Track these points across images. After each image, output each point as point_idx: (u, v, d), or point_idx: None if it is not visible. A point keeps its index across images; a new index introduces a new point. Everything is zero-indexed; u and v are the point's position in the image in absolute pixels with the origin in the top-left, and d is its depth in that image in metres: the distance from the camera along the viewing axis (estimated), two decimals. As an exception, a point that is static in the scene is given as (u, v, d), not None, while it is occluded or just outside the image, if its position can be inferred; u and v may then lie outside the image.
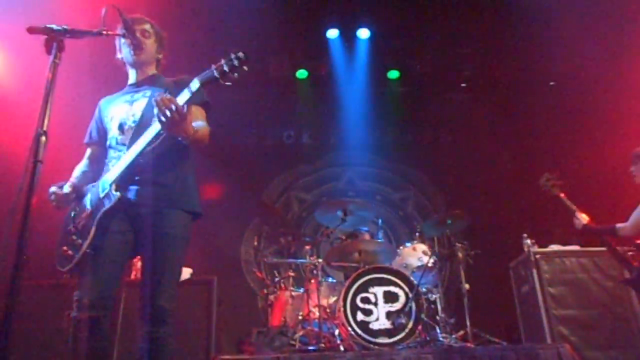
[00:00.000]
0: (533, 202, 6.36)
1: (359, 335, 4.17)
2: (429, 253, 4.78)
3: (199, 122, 2.43)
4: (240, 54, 2.14)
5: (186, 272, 4.42)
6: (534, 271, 4.45)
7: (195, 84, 2.21)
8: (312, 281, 4.64)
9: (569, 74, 6.21)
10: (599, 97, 5.89)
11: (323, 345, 4.25)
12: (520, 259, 4.70)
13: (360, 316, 4.28)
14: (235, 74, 2.15)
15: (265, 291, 5.01)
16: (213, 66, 2.18)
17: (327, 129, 7.04)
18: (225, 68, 2.14)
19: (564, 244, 4.69)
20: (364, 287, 4.37)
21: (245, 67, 2.15)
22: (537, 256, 4.48)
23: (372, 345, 4.12)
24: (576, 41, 5.58)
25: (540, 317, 4.32)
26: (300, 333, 4.35)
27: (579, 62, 5.92)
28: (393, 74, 7.01)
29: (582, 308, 4.31)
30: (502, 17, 5.94)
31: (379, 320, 4.29)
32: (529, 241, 4.62)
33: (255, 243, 6.27)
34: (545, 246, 4.66)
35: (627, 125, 5.39)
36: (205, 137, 2.43)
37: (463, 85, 6.89)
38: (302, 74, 6.83)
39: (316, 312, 4.42)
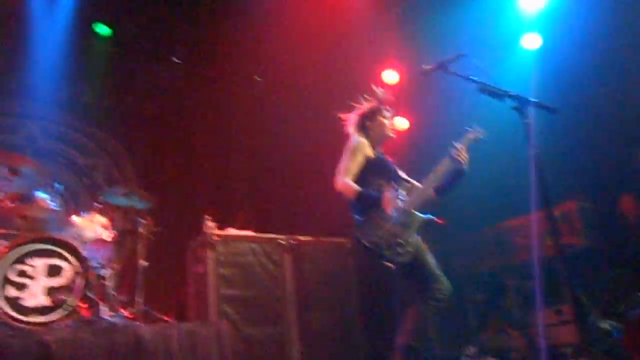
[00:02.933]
0: (219, 185, 6.70)
1: (5, 313, 3.62)
2: (108, 226, 4.50)
3: None
4: None
5: None
6: (210, 252, 4.63)
7: None
8: (-47, 247, 3.83)
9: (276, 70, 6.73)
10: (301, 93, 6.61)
11: (-45, 325, 3.55)
12: (199, 239, 4.83)
13: (10, 291, 3.72)
14: None
15: None
16: None
17: (8, 70, 5.92)
18: None
19: (241, 229, 5.03)
20: (21, 259, 3.82)
21: None
22: (215, 238, 4.69)
23: (20, 325, 3.63)
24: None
25: (209, 296, 4.53)
26: None
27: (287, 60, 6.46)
28: (103, 30, 6.39)
29: (247, 288, 4.68)
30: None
31: (36, 297, 3.81)
32: (210, 223, 4.79)
33: None
34: (224, 229, 4.91)
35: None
36: None
37: (175, 60, 6.75)
38: (-15, -2, 5.60)
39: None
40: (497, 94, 2.56)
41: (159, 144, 6.64)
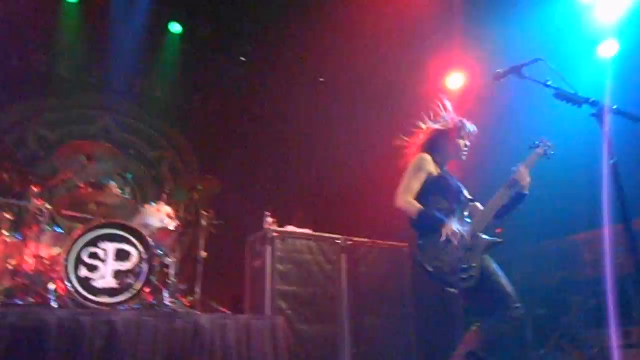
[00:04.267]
0: (280, 182, 6.81)
1: (77, 292, 3.83)
2: (173, 216, 4.67)
3: None
4: None
5: None
6: (268, 248, 4.72)
7: None
8: (33, 228, 4.10)
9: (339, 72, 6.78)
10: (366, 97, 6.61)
11: (32, 300, 3.79)
12: (258, 234, 4.93)
13: (83, 272, 3.93)
14: None
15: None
16: None
17: (89, 65, 6.28)
18: None
19: (300, 227, 5.09)
20: (93, 242, 4.03)
21: None
22: (274, 234, 4.77)
23: (90, 304, 3.83)
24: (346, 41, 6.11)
25: (265, 290, 4.62)
26: (7, 285, 3.80)
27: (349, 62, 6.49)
28: (175, 27, 6.66)
29: (302, 285, 4.74)
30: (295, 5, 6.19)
31: (105, 278, 4.01)
32: (269, 219, 4.88)
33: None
34: (283, 226, 4.99)
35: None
36: None
37: (242, 59, 6.93)
38: (72, -5, 5.98)
39: (31, 263, 3.92)
40: (575, 100, 2.46)
41: (223, 140, 6.83)
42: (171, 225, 4.58)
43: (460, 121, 3.31)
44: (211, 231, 5.04)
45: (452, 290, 2.93)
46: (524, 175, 3.07)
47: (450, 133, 3.28)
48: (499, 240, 3.03)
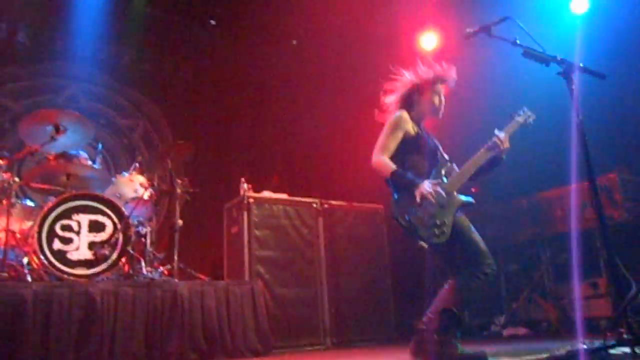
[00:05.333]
0: (254, 148, 6.77)
1: (53, 265, 3.81)
2: (147, 185, 4.62)
3: None
4: None
5: None
6: (245, 214, 4.73)
7: None
8: (3, 202, 4.02)
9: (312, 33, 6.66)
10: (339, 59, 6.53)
11: (6, 274, 3.76)
12: (235, 201, 4.93)
13: (57, 244, 3.90)
14: None
15: None
16: None
17: (52, 32, 6.04)
18: None
19: (276, 192, 5.10)
20: (67, 214, 3.98)
21: None
22: (250, 200, 4.77)
23: (66, 276, 3.81)
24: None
25: (243, 256, 4.65)
26: (-22, 260, 3.74)
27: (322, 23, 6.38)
28: (141, -9, 6.42)
29: (280, 250, 4.78)
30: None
31: (79, 250, 3.99)
32: (245, 185, 4.87)
33: None
34: (260, 192, 4.98)
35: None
36: None
37: (212, 22, 6.75)
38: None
39: (2, 238, 3.86)
40: (543, 58, 2.47)
41: (196, 106, 6.71)
42: (145, 194, 4.53)
43: (435, 75, 3.25)
44: (187, 199, 5.01)
45: (424, 244, 2.95)
46: (504, 141, 3.09)
47: (422, 87, 3.23)
48: (471, 200, 3.07)
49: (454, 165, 3.21)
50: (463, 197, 3.04)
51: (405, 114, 3.15)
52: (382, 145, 3.08)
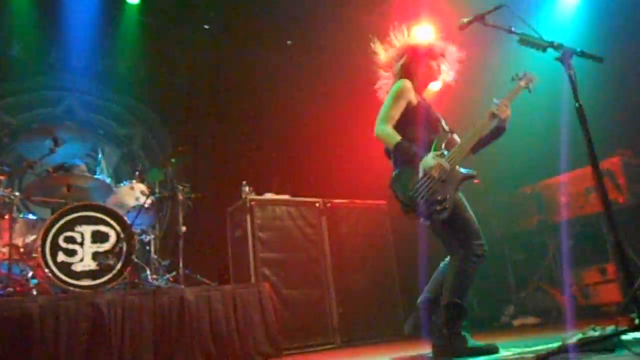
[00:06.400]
0: (255, 151, 6.74)
1: (58, 278, 3.79)
2: (147, 193, 4.61)
3: None
4: None
5: None
6: (248, 216, 4.71)
7: None
8: (5, 217, 4.01)
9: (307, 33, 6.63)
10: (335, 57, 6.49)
11: (12, 289, 3.75)
12: (238, 204, 4.91)
13: (61, 257, 3.88)
14: None
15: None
16: None
17: (46, 45, 6.02)
18: None
19: (278, 193, 5.08)
20: (69, 226, 3.96)
21: None
22: (253, 203, 4.75)
23: (72, 288, 3.80)
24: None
25: (248, 259, 4.63)
26: (-17, 277, 3.74)
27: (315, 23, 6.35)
28: (133, -1, 6.40)
29: (285, 251, 4.77)
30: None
31: (84, 262, 3.97)
32: (247, 188, 4.86)
33: None
34: (262, 194, 4.96)
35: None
36: None
37: (206, 27, 6.72)
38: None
39: (5, 252, 3.85)
40: (539, 45, 2.44)
41: (194, 111, 6.68)
42: (147, 202, 4.52)
43: (431, 43, 3.19)
44: (189, 205, 4.99)
45: (425, 222, 2.87)
46: (504, 108, 3.00)
47: (418, 52, 3.15)
48: (473, 173, 2.99)
49: (455, 136, 3.12)
50: (464, 170, 2.96)
51: (408, 83, 3.07)
52: (385, 115, 2.98)
